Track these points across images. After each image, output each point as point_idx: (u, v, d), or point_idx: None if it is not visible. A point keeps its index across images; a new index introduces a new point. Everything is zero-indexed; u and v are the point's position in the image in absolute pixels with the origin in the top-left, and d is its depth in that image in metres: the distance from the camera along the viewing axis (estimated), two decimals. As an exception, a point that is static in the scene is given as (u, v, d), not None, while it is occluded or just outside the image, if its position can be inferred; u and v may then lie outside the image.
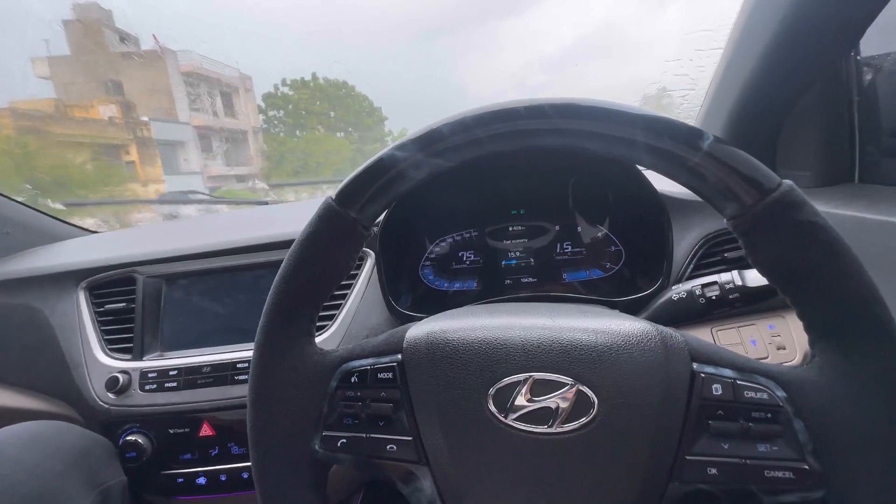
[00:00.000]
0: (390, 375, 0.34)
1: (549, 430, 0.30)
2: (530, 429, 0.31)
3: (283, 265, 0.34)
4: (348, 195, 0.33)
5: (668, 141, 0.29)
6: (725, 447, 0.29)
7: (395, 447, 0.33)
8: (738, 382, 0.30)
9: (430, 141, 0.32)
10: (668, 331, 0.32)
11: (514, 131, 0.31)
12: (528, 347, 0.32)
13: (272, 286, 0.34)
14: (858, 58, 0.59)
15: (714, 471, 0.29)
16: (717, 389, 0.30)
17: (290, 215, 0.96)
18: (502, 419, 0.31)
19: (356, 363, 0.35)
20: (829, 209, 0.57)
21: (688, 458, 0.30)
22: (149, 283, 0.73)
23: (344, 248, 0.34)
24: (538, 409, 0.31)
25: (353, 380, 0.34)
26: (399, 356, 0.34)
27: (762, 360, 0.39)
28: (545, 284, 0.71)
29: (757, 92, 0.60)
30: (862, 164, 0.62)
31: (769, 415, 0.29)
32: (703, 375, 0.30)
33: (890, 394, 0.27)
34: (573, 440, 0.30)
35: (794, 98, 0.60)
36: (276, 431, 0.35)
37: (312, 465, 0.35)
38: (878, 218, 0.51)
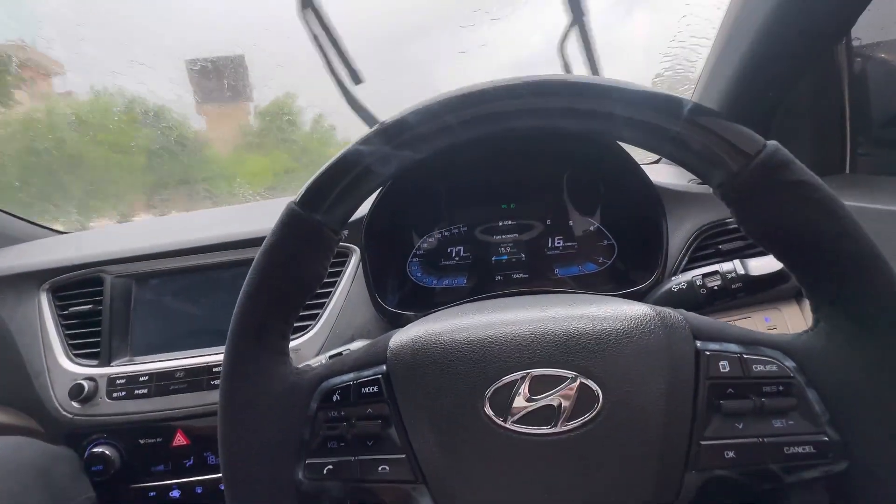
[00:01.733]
0: (375, 389, 0.31)
1: (553, 430, 0.28)
2: (533, 431, 0.28)
3: (246, 280, 0.31)
4: (312, 197, 0.31)
5: (647, 112, 0.28)
6: (740, 427, 0.28)
7: (387, 468, 0.30)
8: (745, 356, 0.29)
9: (396, 132, 0.30)
10: (667, 310, 0.31)
11: (487, 114, 0.29)
12: (523, 342, 0.30)
13: (236, 304, 0.31)
14: (853, 44, 0.58)
15: (731, 454, 0.28)
16: (724, 366, 0.29)
17: (269, 211, 0.92)
18: (501, 423, 0.29)
19: (337, 379, 0.32)
20: None
21: (702, 443, 0.28)
22: (117, 284, 0.68)
23: (312, 255, 0.32)
24: (539, 408, 0.28)
25: (334, 398, 0.31)
26: (384, 367, 0.31)
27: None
28: (537, 280, 0.69)
29: (748, 84, 0.60)
30: (853, 156, 0.62)
31: (781, 387, 0.28)
32: (707, 353, 0.29)
33: None
34: (580, 438, 0.28)
35: (785, 90, 0.59)
36: (253, 466, 0.31)
37: (298, 499, 0.31)
38: (873, 206, 0.50)
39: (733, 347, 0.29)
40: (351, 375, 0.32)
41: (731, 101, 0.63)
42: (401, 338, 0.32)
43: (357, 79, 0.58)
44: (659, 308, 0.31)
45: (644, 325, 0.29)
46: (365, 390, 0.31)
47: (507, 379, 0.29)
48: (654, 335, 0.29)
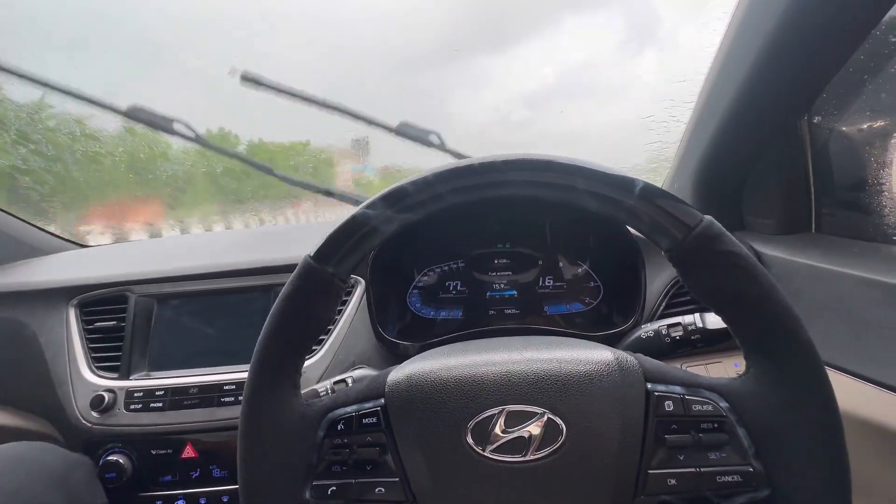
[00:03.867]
0: (375, 420, 0.36)
1: (524, 459, 0.33)
2: (507, 459, 0.33)
3: (266, 323, 0.36)
4: (325, 253, 0.36)
5: (605, 187, 0.34)
6: (681, 458, 0.33)
7: (383, 489, 0.35)
8: (687, 397, 0.34)
9: (397, 198, 0.36)
10: (624, 355, 0.36)
11: (472, 185, 0.35)
12: (501, 382, 0.35)
13: (257, 343, 0.36)
14: (814, 121, 0.65)
15: (673, 482, 0.33)
16: (669, 406, 0.34)
17: (286, 237, 0.98)
18: (480, 452, 0.33)
19: (341, 411, 0.37)
20: (788, 256, 0.62)
21: (650, 472, 0.33)
22: (140, 302, 0.74)
23: (323, 302, 0.37)
24: (513, 439, 0.33)
25: (339, 427, 0.36)
26: (382, 400, 0.36)
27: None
28: (528, 316, 0.74)
29: (721, 149, 0.66)
30: (818, 216, 0.68)
31: (715, 424, 0.33)
32: (656, 394, 0.34)
33: (811, 393, 0.32)
34: (546, 466, 0.33)
35: (755, 156, 0.66)
36: (268, 488, 0.36)
37: None
38: (830, 268, 0.55)
39: (678, 389, 0.34)
40: (354, 407, 0.37)
41: (705, 168, 0.69)
42: (397, 375, 0.37)
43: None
44: (618, 353, 0.36)
45: (603, 369, 0.35)
46: (365, 421, 0.36)
47: (487, 413, 0.34)
48: (612, 377, 0.34)
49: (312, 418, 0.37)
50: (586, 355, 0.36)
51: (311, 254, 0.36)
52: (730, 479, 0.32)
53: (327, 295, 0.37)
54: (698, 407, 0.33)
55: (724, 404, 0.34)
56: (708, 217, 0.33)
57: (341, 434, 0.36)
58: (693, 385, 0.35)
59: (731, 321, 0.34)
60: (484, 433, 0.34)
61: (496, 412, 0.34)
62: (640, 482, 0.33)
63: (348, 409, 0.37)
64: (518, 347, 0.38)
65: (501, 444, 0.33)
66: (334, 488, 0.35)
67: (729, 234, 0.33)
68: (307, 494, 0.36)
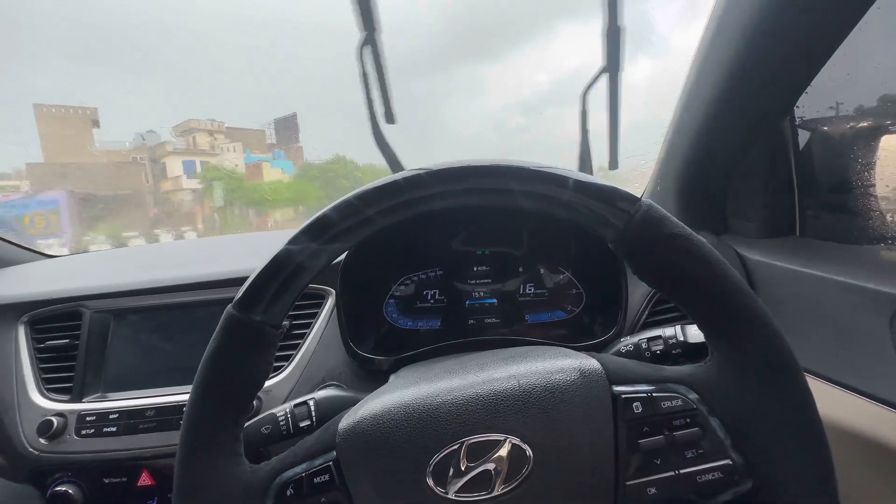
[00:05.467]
0: (327, 478, 0.32)
1: (491, 496, 0.30)
2: (472, 498, 0.30)
3: (192, 388, 0.32)
4: (249, 300, 0.32)
5: (538, 185, 0.32)
6: (658, 462, 0.31)
7: None
8: (654, 395, 0.31)
9: (320, 229, 0.32)
10: (586, 360, 0.33)
11: (400, 203, 0.32)
12: (458, 412, 0.31)
13: (185, 409, 0.32)
14: (796, 122, 0.63)
15: (653, 490, 0.30)
16: (637, 407, 0.31)
17: (249, 248, 0.94)
18: (443, 495, 0.30)
19: (289, 473, 0.33)
20: (771, 261, 0.59)
21: (627, 483, 0.30)
22: (96, 318, 0.69)
23: (255, 354, 0.33)
24: (477, 475, 0.30)
25: (288, 493, 0.32)
26: (333, 453, 0.32)
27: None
28: (508, 325, 0.71)
29: (703, 151, 0.64)
30: (802, 219, 0.66)
31: (687, 419, 0.31)
32: (623, 397, 0.31)
33: (776, 372, 0.30)
34: (516, 498, 0.30)
35: (738, 157, 0.64)
36: None
37: None
38: (813, 272, 0.54)
39: (644, 387, 0.32)
40: (303, 466, 0.33)
41: (687, 171, 0.67)
42: (348, 421, 0.33)
43: (391, 119, 0.63)
44: (580, 357, 0.34)
45: (564, 378, 0.32)
46: (317, 479, 0.32)
47: (447, 450, 0.30)
48: (574, 387, 0.31)
49: (258, 486, 0.32)
50: (545, 366, 0.33)
51: (233, 304, 0.32)
52: (710, 476, 0.30)
53: (258, 347, 0.33)
54: (667, 403, 0.31)
55: (693, 396, 0.31)
56: (646, 200, 0.31)
57: (292, 500, 0.32)
58: (660, 380, 0.32)
59: (686, 305, 0.32)
60: (446, 472, 0.30)
61: (456, 447, 0.30)
62: (619, 497, 0.30)
63: (297, 469, 0.33)
64: (476, 368, 0.35)
65: (465, 483, 0.30)
66: None
67: (670, 216, 0.31)
68: None
